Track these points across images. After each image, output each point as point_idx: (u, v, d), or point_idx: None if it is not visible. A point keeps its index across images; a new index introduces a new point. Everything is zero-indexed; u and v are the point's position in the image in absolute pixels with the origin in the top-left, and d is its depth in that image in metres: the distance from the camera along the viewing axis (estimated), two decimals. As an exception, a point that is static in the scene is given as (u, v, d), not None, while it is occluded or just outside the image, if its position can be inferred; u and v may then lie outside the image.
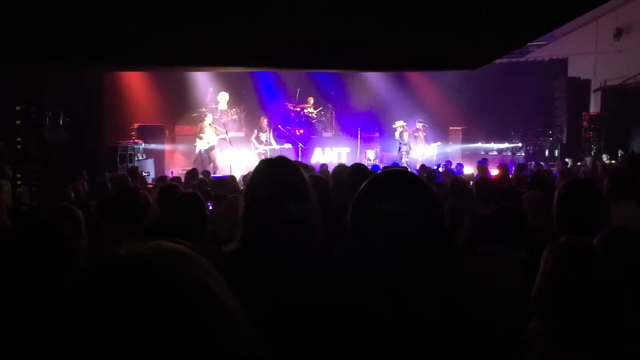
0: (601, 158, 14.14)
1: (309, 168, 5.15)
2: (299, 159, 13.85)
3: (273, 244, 1.77)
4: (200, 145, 14.36)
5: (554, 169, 11.87)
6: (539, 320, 1.72)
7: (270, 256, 1.73)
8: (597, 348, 1.59)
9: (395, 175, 1.40)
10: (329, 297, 1.43)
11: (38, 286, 1.83)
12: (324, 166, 8.99)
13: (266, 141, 14.86)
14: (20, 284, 1.88)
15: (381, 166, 13.83)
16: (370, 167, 11.72)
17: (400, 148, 15.85)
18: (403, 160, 15.40)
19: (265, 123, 15.07)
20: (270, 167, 1.93)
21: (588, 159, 13.83)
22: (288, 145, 15.21)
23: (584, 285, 1.66)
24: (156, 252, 0.75)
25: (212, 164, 14.19)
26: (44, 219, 2.10)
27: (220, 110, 15.97)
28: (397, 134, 15.82)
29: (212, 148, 14.49)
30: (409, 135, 15.77)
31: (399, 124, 15.93)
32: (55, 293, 0.71)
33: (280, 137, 15.67)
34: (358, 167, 4.15)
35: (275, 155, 14.54)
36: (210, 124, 14.52)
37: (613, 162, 13.33)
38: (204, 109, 15.49)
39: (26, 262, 1.91)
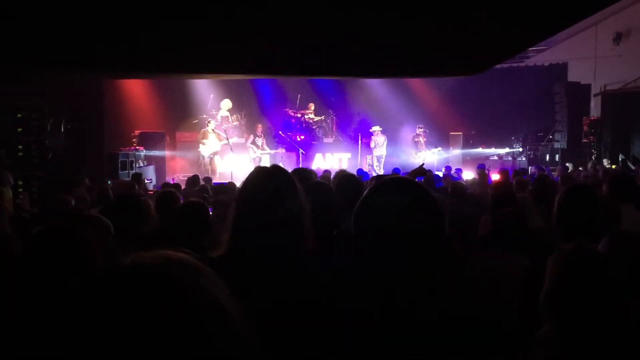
0: (602, 162, 14.12)
1: (313, 174, 5.17)
2: (300, 165, 13.88)
3: (263, 249, 1.78)
4: (204, 151, 14.41)
5: (554, 174, 11.86)
6: (546, 326, 1.71)
7: (260, 260, 1.74)
8: (604, 354, 1.58)
9: (398, 181, 1.42)
10: (322, 299, 1.44)
11: (52, 295, 1.83)
12: (326, 172, 9.00)
13: (261, 146, 14.98)
14: (35, 293, 1.86)
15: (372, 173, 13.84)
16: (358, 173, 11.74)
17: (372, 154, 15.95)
18: (375, 166, 15.38)
19: (260, 129, 15.21)
20: (261, 174, 1.97)
21: (590, 164, 13.82)
22: (282, 150, 15.32)
23: (592, 291, 1.65)
24: (162, 262, 0.75)
25: (210, 170, 14.26)
26: (66, 228, 2.08)
27: (221, 116, 16.03)
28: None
29: (215, 154, 14.57)
30: (383, 141, 15.89)
31: (374, 129, 16.06)
32: (63, 302, 0.71)
33: (280, 143, 15.73)
34: (349, 177, 4.20)
35: (270, 159, 14.76)
36: (213, 130, 14.60)
37: (614, 166, 13.32)
38: (205, 115, 15.55)
39: (43, 271, 1.89)
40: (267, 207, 1.83)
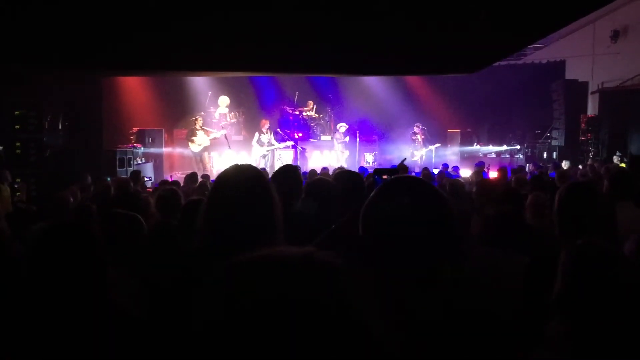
0: (612, 159, 14.00)
1: (298, 169, 5.18)
2: (298, 162, 13.88)
3: (232, 245, 1.80)
4: (193, 149, 14.44)
5: (549, 170, 11.85)
6: (557, 323, 1.69)
7: (230, 255, 1.76)
8: (615, 352, 1.58)
9: (407, 182, 1.41)
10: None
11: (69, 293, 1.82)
12: (324, 170, 9.01)
13: (268, 142, 14.98)
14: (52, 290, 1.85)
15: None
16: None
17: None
18: (337, 164, 15.42)
19: (266, 125, 15.16)
20: (233, 174, 2.03)
21: (589, 161, 13.81)
22: (290, 143, 15.29)
23: (606, 288, 1.64)
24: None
25: (202, 167, 14.28)
26: (74, 223, 2.07)
27: (220, 113, 16.01)
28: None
29: (204, 150, 14.61)
30: (342, 139, 16.01)
31: (339, 125, 16.30)
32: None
33: (279, 140, 15.72)
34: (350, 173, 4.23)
35: (278, 155, 14.73)
36: (201, 127, 14.63)
37: (623, 164, 13.24)
38: (203, 113, 15.53)
39: (52, 268, 1.88)
40: (238, 204, 1.89)
